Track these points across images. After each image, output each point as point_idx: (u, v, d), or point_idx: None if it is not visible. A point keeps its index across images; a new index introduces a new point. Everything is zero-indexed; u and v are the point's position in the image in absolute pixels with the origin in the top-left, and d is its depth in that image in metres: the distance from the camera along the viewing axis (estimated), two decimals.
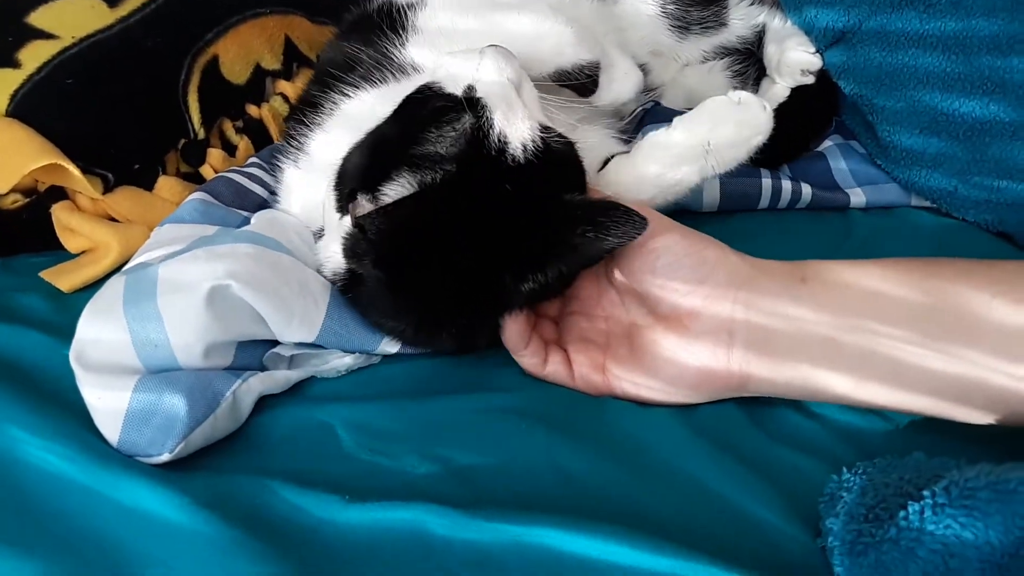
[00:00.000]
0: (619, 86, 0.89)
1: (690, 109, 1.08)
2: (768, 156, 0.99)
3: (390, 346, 0.73)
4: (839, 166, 1.01)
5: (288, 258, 0.71)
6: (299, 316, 0.68)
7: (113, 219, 0.87)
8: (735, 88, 1.11)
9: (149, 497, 0.57)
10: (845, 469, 0.60)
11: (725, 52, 1.12)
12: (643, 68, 1.01)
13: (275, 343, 0.71)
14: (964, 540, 0.48)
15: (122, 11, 0.95)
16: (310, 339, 0.70)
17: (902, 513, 0.50)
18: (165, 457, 0.60)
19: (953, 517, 0.49)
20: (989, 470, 0.50)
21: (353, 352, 0.73)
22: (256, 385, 0.67)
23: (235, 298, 0.66)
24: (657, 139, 0.84)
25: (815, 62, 1.02)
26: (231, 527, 0.55)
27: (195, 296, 0.64)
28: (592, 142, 0.85)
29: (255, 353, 0.71)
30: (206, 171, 0.97)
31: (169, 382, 0.62)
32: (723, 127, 0.83)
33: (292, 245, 0.75)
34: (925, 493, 0.50)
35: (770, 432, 0.69)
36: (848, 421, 0.70)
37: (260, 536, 0.55)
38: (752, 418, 0.71)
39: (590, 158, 0.79)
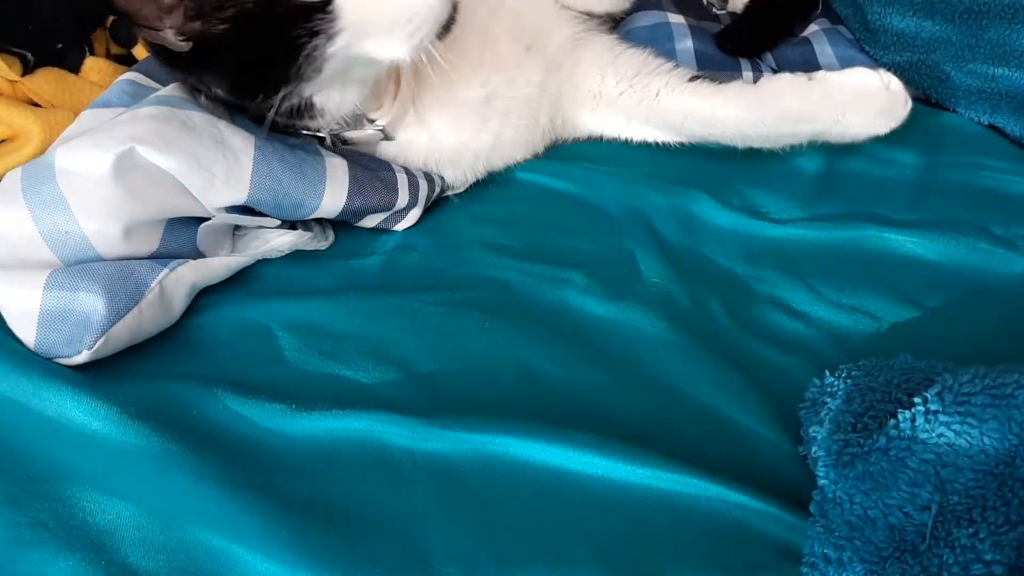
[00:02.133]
0: None
1: None
2: (751, 43, 0.93)
3: (332, 196, 0.67)
4: (824, 51, 0.94)
5: (199, 114, 0.63)
6: (222, 174, 0.61)
7: (35, 104, 0.79)
8: None
9: (74, 407, 0.52)
10: (828, 372, 0.57)
11: None
12: None
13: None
14: (957, 448, 0.45)
15: None
16: (241, 199, 0.63)
17: (892, 421, 0.46)
18: (84, 355, 0.55)
19: (947, 424, 0.45)
20: (984, 373, 0.47)
21: (293, 218, 0.67)
22: (187, 274, 0.61)
23: (144, 163, 0.59)
24: (792, 91, 0.77)
25: None
26: (164, 439, 0.50)
27: (99, 167, 0.57)
28: None
29: (186, 237, 0.64)
30: (139, 52, 0.88)
31: (84, 274, 0.56)
32: (867, 110, 0.77)
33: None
34: (916, 400, 0.47)
35: (751, 329, 0.66)
36: (833, 320, 0.67)
37: (196, 448, 0.50)
38: (733, 314, 0.67)
39: None
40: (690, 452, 0.54)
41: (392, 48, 0.61)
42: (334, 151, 0.70)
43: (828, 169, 0.81)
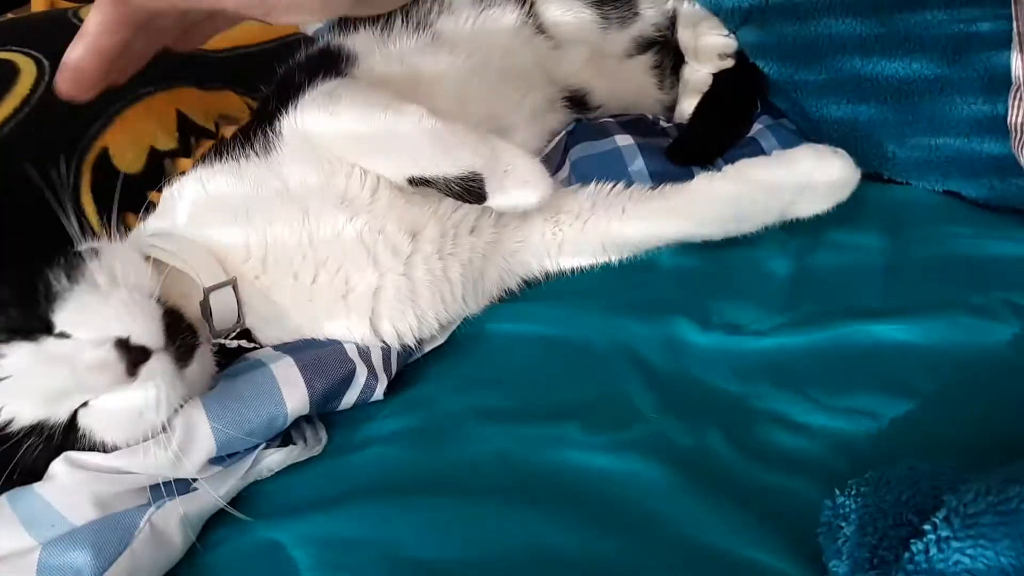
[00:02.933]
0: (518, 195, 0.74)
1: (623, 114, 1.06)
2: (702, 152, 0.96)
3: (293, 395, 0.67)
4: (772, 145, 0.97)
5: None
6: (175, 448, 0.63)
7: None
8: (657, 84, 1.10)
9: None
10: (838, 492, 0.57)
11: (645, 44, 1.09)
12: (580, 92, 1.01)
13: None
14: (976, 572, 0.45)
15: None
16: (212, 453, 0.64)
17: (907, 555, 0.46)
18: None
19: (960, 551, 0.45)
20: (986, 489, 0.47)
21: (272, 436, 0.68)
22: (176, 507, 0.61)
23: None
24: (755, 164, 0.81)
25: (730, 44, 0.99)
26: None
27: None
28: None
29: (178, 487, 0.64)
30: None
31: (70, 541, 0.57)
32: (828, 168, 0.80)
33: None
34: (926, 527, 0.46)
35: (755, 454, 0.66)
36: (833, 427, 0.67)
37: None
38: (735, 440, 0.67)
39: None
40: None
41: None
42: (276, 352, 0.73)
43: (798, 268, 0.82)
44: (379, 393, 0.74)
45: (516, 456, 0.66)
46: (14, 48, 0.98)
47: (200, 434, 0.64)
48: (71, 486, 0.61)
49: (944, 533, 0.46)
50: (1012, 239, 0.82)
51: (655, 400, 0.71)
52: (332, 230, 0.74)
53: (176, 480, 0.64)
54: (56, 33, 1.05)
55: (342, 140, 0.75)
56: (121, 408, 0.61)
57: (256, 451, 0.68)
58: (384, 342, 0.77)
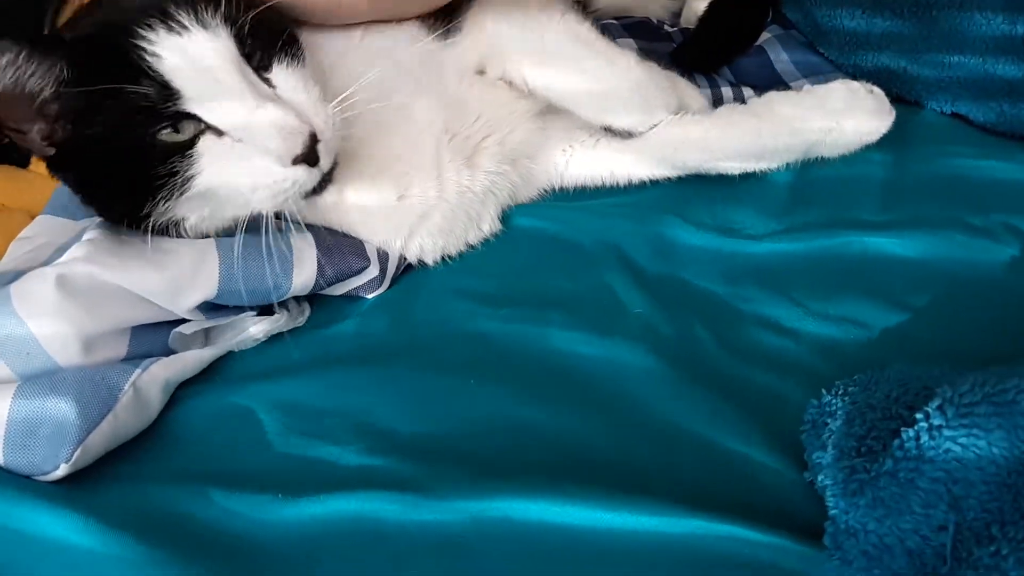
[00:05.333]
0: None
1: (626, 16, 1.02)
2: (708, 58, 0.93)
3: (302, 273, 0.66)
4: (780, 58, 0.94)
5: (138, 237, 0.62)
6: (188, 277, 0.61)
7: None
8: None
9: (50, 522, 0.49)
10: (825, 391, 0.55)
11: None
12: None
13: (179, 322, 0.63)
14: (966, 462, 0.44)
15: None
16: (211, 295, 0.62)
17: (896, 441, 0.45)
18: (63, 470, 0.53)
19: (952, 439, 0.44)
20: (983, 379, 0.45)
21: (266, 303, 0.66)
22: (160, 372, 0.59)
23: (92, 281, 0.58)
24: (784, 99, 0.78)
25: None
26: (150, 546, 0.48)
27: (45, 285, 0.57)
28: None
29: (156, 337, 0.63)
30: None
31: (53, 384, 0.54)
32: (858, 112, 0.77)
33: None
34: (918, 416, 0.45)
35: (742, 354, 0.64)
36: (822, 333, 0.66)
37: (185, 551, 0.48)
38: (721, 338, 0.66)
39: None
40: (694, 491, 0.52)
41: (253, 205, 0.61)
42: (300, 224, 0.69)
43: (798, 177, 0.80)
44: (377, 292, 0.72)
45: (496, 335, 0.65)
46: None
47: (207, 272, 0.62)
48: (58, 316, 0.57)
49: (937, 422, 0.45)
50: (1017, 164, 0.80)
51: (641, 296, 0.69)
52: (428, 127, 0.73)
53: (156, 327, 0.62)
54: None
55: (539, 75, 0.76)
56: (252, 169, 0.59)
57: (240, 315, 0.66)
58: (403, 255, 0.74)
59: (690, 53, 0.91)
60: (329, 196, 0.69)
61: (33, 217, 0.72)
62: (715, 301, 0.70)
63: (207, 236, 0.65)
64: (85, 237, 0.61)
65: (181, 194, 0.59)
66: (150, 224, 0.61)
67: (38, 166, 0.82)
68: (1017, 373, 0.46)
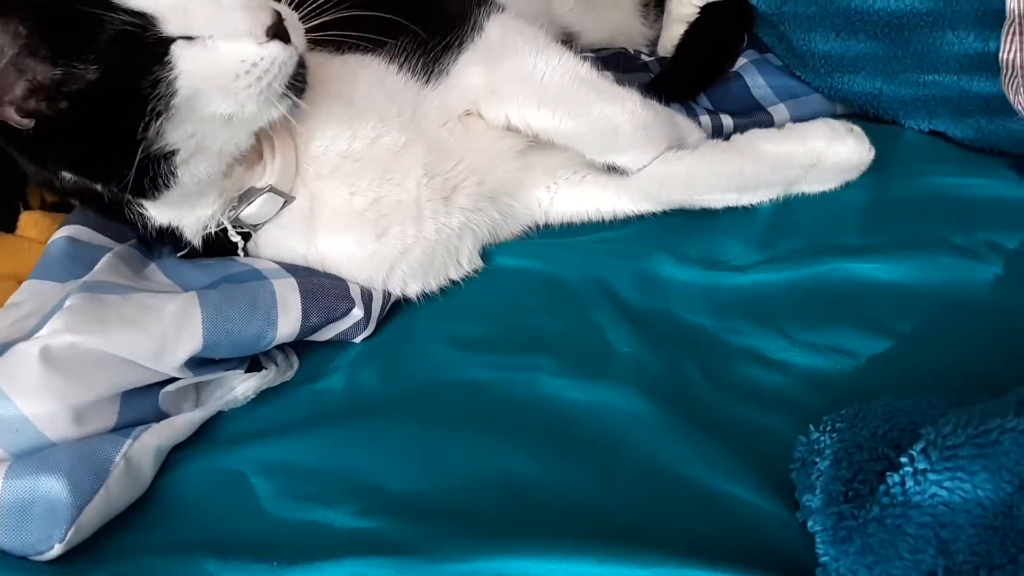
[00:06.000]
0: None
1: (604, 48, 1.03)
2: (686, 87, 0.93)
3: (287, 319, 0.66)
4: (757, 83, 0.95)
5: (117, 297, 0.63)
6: (172, 334, 0.61)
7: None
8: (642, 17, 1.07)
9: None
10: (813, 428, 0.56)
11: None
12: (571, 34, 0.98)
13: (168, 382, 0.63)
14: (953, 506, 0.44)
15: None
16: (196, 350, 0.62)
17: (883, 487, 0.45)
18: (57, 550, 0.53)
19: (937, 483, 0.44)
20: (965, 420, 0.46)
21: (252, 353, 0.67)
22: (151, 440, 0.59)
23: (75, 349, 0.58)
24: (766, 137, 0.78)
25: None
26: None
27: (29, 361, 0.57)
28: None
29: (146, 404, 0.63)
30: None
31: (43, 461, 0.55)
32: (840, 147, 0.78)
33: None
34: (903, 460, 0.45)
35: (731, 389, 0.65)
36: (809, 364, 0.66)
37: None
38: (709, 375, 0.66)
39: None
40: (688, 538, 0.52)
41: (241, 99, 0.61)
42: (281, 268, 0.70)
43: (781, 204, 0.80)
44: (363, 335, 0.72)
45: (485, 383, 0.65)
46: None
47: (192, 325, 0.62)
48: (45, 392, 0.57)
49: (921, 465, 0.45)
50: (998, 180, 0.80)
51: (630, 333, 0.69)
52: (409, 171, 0.73)
53: (145, 390, 0.62)
54: None
55: (533, 112, 0.77)
56: (228, 56, 0.59)
57: (228, 372, 0.66)
58: (386, 291, 0.75)
59: (667, 83, 0.92)
60: (304, 236, 0.71)
61: (20, 282, 0.72)
62: (703, 335, 0.70)
63: (199, 181, 0.64)
64: (65, 304, 0.61)
65: (168, 107, 0.58)
66: (142, 167, 0.60)
67: (25, 230, 0.82)
68: (999, 411, 0.46)
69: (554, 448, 0.59)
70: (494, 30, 0.80)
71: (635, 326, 0.70)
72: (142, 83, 0.57)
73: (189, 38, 0.58)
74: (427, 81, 0.76)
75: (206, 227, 0.68)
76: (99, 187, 0.63)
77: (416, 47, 0.75)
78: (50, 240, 0.74)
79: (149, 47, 0.57)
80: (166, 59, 0.58)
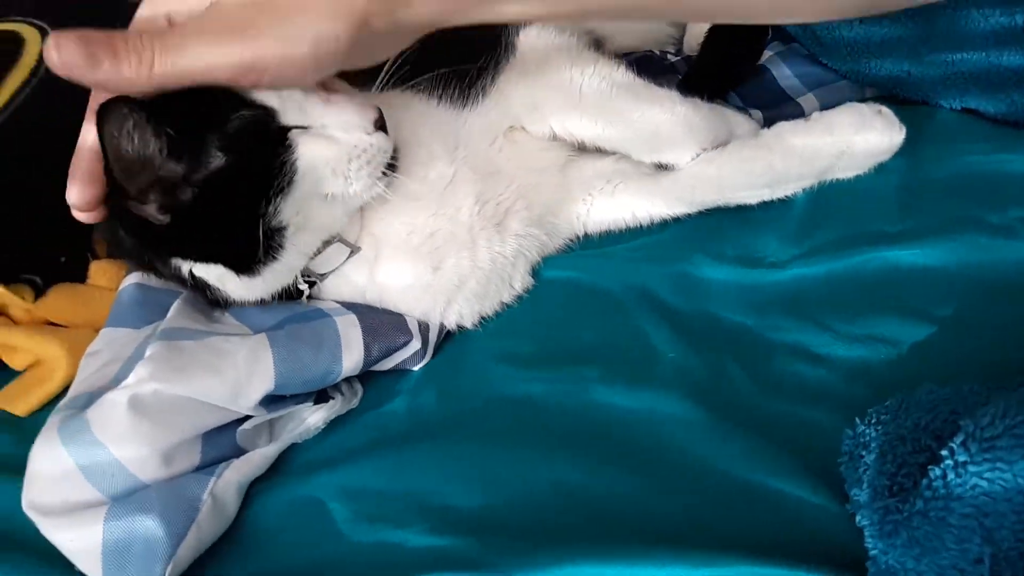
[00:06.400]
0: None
1: (630, 53, 1.05)
2: (716, 85, 0.94)
3: (351, 354, 0.70)
4: (784, 74, 0.96)
5: (192, 343, 0.67)
6: (245, 377, 0.65)
7: (54, 322, 0.83)
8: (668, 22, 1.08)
9: None
10: (859, 420, 0.57)
11: None
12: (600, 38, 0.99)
13: (244, 420, 0.68)
14: (994, 495, 0.46)
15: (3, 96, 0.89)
16: (270, 389, 0.66)
17: (924, 481, 0.47)
18: None
19: (978, 475, 0.46)
20: (1003, 410, 0.47)
21: (321, 387, 0.71)
22: (232, 476, 0.64)
23: (161, 398, 0.62)
24: (793, 130, 0.79)
25: None
26: None
27: (119, 409, 0.61)
28: None
29: (226, 442, 0.67)
30: None
31: (139, 504, 0.59)
32: (868, 133, 0.78)
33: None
34: (943, 453, 0.47)
35: (776, 387, 0.66)
36: (852, 356, 0.67)
37: None
38: (754, 374, 0.68)
39: None
40: (742, 537, 0.54)
41: (351, 179, 0.67)
42: (341, 306, 0.73)
43: (815, 195, 0.81)
44: (421, 364, 0.76)
45: (539, 397, 0.68)
46: (16, 18, 0.98)
47: (264, 366, 0.66)
48: (135, 438, 0.61)
49: (961, 458, 0.47)
50: None
51: (672, 338, 0.72)
52: (462, 202, 0.76)
53: (223, 429, 0.66)
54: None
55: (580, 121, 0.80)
56: (342, 144, 0.66)
57: (299, 405, 0.70)
58: (443, 323, 0.78)
59: (697, 83, 0.93)
60: (365, 275, 0.75)
61: (97, 331, 0.77)
62: (745, 334, 0.72)
63: (301, 255, 0.70)
64: (147, 354, 0.66)
65: (288, 183, 0.64)
66: (260, 239, 0.65)
67: (95, 279, 0.88)
68: None
69: (605, 456, 0.62)
70: (526, 46, 0.83)
71: (677, 330, 0.72)
72: (267, 166, 0.63)
73: (304, 128, 0.65)
74: (466, 106, 0.80)
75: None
76: (213, 275, 0.69)
77: (453, 76, 0.78)
78: (120, 288, 0.79)
79: (272, 135, 0.64)
80: (287, 143, 0.64)
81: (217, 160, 0.62)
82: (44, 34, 0.95)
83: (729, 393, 0.66)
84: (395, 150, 0.69)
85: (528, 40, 0.83)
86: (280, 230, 0.66)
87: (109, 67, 0.55)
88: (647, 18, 0.68)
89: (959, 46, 0.85)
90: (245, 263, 0.67)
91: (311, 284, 0.74)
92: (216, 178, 0.62)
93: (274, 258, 0.67)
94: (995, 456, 0.46)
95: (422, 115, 0.77)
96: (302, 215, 0.67)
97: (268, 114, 0.64)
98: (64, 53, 0.54)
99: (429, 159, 0.75)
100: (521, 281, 0.80)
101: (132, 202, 0.63)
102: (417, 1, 0.58)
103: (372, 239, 0.74)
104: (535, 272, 0.82)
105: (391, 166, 0.69)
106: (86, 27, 0.56)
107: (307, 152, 0.65)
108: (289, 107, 0.65)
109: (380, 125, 0.68)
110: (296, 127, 0.65)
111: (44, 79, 0.91)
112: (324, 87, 0.68)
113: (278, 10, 0.57)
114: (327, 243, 0.72)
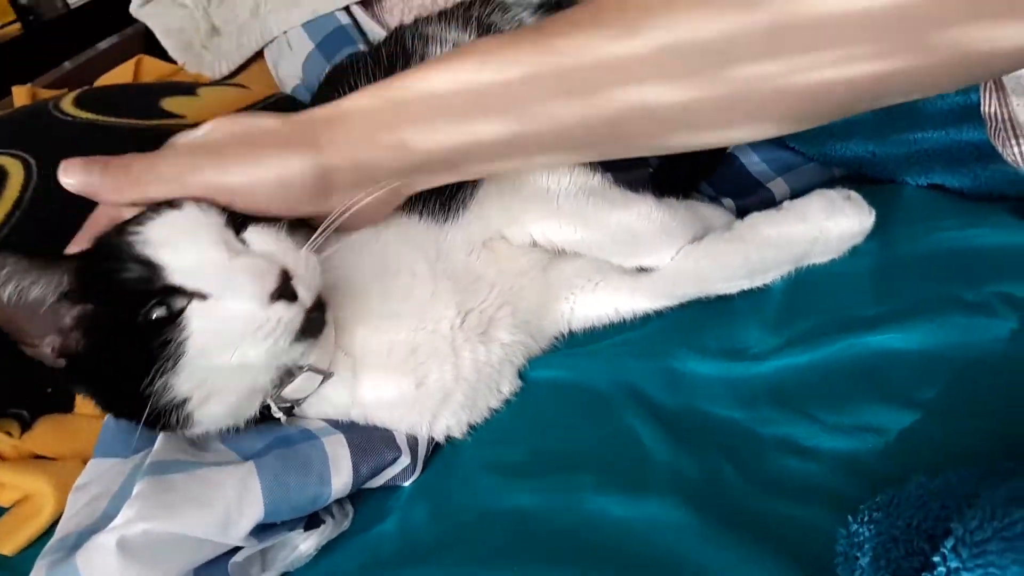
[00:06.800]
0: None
1: None
2: (686, 177, 0.96)
3: (339, 476, 0.69)
4: (752, 160, 0.98)
5: (181, 475, 0.66)
6: (235, 508, 0.64)
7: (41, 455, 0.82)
8: None
9: None
10: (851, 519, 0.57)
11: None
12: None
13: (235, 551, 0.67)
14: None
15: None
16: (259, 518, 0.65)
17: None
18: None
19: None
20: (991, 513, 0.47)
21: (310, 511, 0.70)
22: None
23: (149, 536, 0.62)
24: (766, 220, 0.81)
25: None
26: None
27: (107, 552, 0.61)
28: None
29: (217, 573, 0.66)
30: None
31: None
32: (840, 218, 0.80)
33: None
34: (936, 560, 0.47)
35: (768, 485, 0.66)
36: (840, 447, 0.67)
37: None
38: (745, 474, 0.67)
39: None
40: None
41: (248, 356, 0.62)
42: (328, 425, 0.73)
43: (791, 282, 0.83)
44: (412, 479, 0.75)
45: (531, 510, 0.67)
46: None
47: (253, 496, 0.65)
48: (122, 568, 0.60)
49: (953, 564, 0.46)
50: (1000, 227, 0.81)
51: (663, 437, 0.72)
52: (443, 314, 0.76)
53: (214, 562, 0.65)
54: (39, 129, 1.07)
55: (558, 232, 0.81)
56: (234, 318, 0.61)
57: (289, 532, 0.69)
58: (432, 436, 0.78)
59: (667, 176, 0.95)
60: (346, 395, 0.74)
61: (84, 460, 0.77)
62: (735, 428, 0.72)
63: (218, 428, 0.69)
64: (135, 492, 0.65)
65: (176, 362, 0.61)
66: (154, 411, 0.62)
67: (81, 407, 0.87)
68: (1022, 497, 0.48)
69: (602, 571, 0.61)
70: None
71: (667, 429, 0.72)
72: (156, 338, 0.61)
73: (203, 297, 0.62)
74: (446, 220, 0.80)
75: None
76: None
77: (432, 192, 0.78)
78: (106, 416, 0.79)
79: (156, 294, 0.61)
80: (180, 319, 0.61)
81: (99, 326, 0.62)
82: (27, 165, 0.96)
83: (723, 495, 0.66)
84: (317, 307, 0.65)
85: None
86: (181, 403, 0.64)
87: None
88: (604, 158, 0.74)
89: (920, 125, 0.88)
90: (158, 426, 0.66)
91: (288, 410, 0.73)
92: (96, 333, 0.63)
93: (186, 427, 0.66)
94: (987, 561, 0.46)
95: (403, 234, 0.78)
96: (206, 387, 0.64)
97: (153, 272, 0.61)
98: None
99: (412, 277, 0.76)
100: (509, 385, 0.80)
101: (25, 346, 0.64)
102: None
103: (349, 360, 0.74)
104: (521, 373, 0.82)
105: (309, 328, 0.64)
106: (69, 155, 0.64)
107: (198, 326, 0.61)
108: (185, 268, 0.61)
109: (282, 293, 0.62)
110: (191, 293, 0.62)
111: (27, 211, 0.92)
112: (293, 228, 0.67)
113: (254, 144, 0.64)
114: (291, 375, 0.70)
